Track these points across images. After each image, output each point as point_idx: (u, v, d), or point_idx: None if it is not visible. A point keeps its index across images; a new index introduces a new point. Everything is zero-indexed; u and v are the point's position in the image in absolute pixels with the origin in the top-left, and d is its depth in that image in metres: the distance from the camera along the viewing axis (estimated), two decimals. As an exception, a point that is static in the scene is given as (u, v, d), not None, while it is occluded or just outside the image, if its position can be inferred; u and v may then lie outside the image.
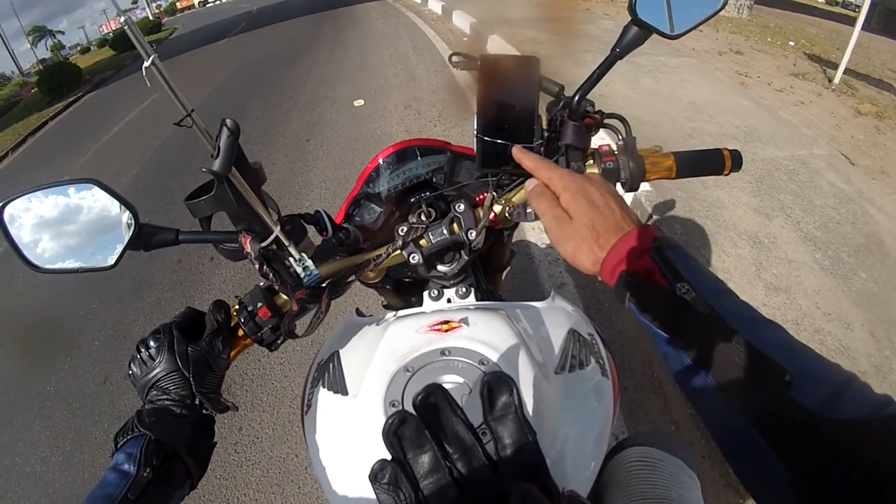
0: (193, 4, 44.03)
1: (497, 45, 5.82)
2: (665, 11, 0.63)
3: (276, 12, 16.51)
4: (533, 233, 2.72)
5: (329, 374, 0.69)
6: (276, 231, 0.62)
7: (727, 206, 2.54)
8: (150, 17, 32.82)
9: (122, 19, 0.52)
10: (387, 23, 9.64)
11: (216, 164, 0.53)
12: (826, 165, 3.00)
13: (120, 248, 0.58)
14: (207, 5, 42.33)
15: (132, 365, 0.62)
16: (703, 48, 5.45)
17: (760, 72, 4.82)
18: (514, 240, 2.59)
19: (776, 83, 4.54)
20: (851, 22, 4.74)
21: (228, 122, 0.54)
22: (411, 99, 5.02)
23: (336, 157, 4.20)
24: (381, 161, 0.80)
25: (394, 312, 0.78)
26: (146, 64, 0.49)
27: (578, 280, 2.39)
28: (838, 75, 4.66)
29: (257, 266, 0.61)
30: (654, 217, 2.47)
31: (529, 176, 0.70)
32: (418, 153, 0.81)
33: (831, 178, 2.87)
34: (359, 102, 5.26)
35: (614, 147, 0.70)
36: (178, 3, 47.60)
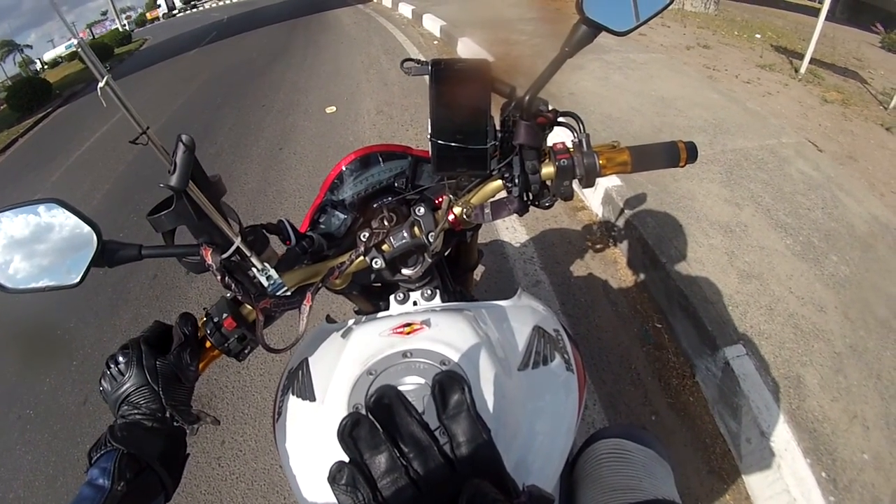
0: (158, 17, 43.43)
1: (467, 48, 5.87)
2: (613, 8, 0.63)
3: (248, 20, 16.34)
4: (507, 232, 2.74)
5: (298, 381, 0.71)
6: (237, 242, 0.63)
7: (698, 197, 2.58)
8: (121, 29, 32.31)
9: (76, 41, 0.53)
10: (358, 28, 9.62)
11: (173, 180, 0.55)
12: (795, 153, 3.06)
13: (84, 266, 0.59)
14: (175, 15, 41.88)
15: (103, 381, 0.62)
16: (672, 43, 5.53)
17: (728, 65, 4.91)
18: (488, 239, 2.62)
19: (744, 75, 4.62)
20: (816, 13, 4.84)
21: (184, 137, 0.55)
22: (383, 104, 5.02)
23: (309, 164, 4.18)
24: (343, 168, 0.81)
25: (362, 318, 0.79)
26: (101, 84, 0.51)
27: (554, 277, 2.41)
28: (804, 65, 4.76)
29: (219, 277, 0.62)
30: (626, 212, 2.50)
31: (487, 177, 0.71)
32: (380, 158, 0.81)
33: (800, 165, 2.93)
34: (331, 109, 5.24)
35: (570, 144, 0.71)
36: (147, 15, 46.99)
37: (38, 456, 2.27)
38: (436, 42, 7.16)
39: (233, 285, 0.63)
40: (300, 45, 9.54)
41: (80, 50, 0.51)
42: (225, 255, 0.62)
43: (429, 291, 0.79)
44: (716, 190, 2.64)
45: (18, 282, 0.60)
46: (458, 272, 0.97)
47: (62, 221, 0.59)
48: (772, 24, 7.67)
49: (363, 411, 0.56)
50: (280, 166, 4.26)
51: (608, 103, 3.75)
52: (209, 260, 0.62)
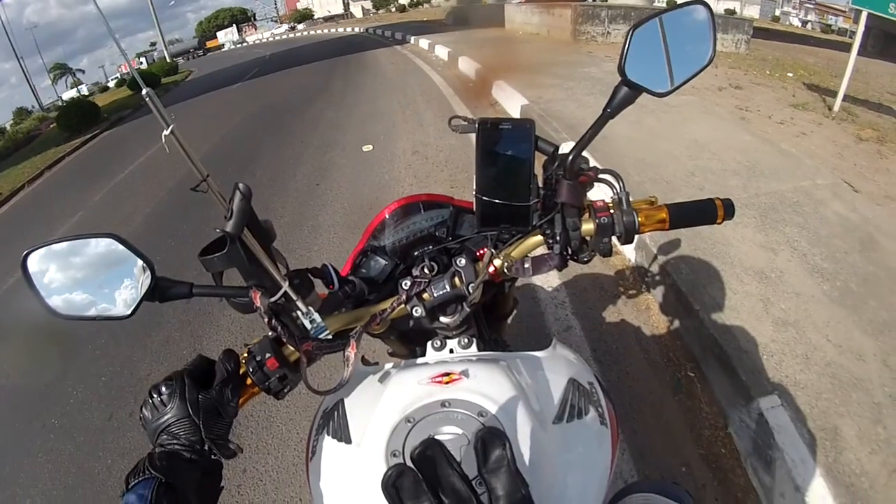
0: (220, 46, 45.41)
1: (503, 90, 5.97)
2: (654, 71, 0.66)
3: (289, 58, 16.93)
4: (540, 276, 2.71)
5: (334, 422, 0.71)
6: (285, 286, 0.65)
7: (732, 242, 2.54)
8: (168, 60, 33.80)
9: (144, 91, 0.53)
10: (395, 69, 9.92)
11: (229, 225, 0.57)
12: (830, 195, 3.00)
13: (136, 300, 0.63)
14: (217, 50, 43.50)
15: (144, 409, 0.63)
16: (704, 85, 5.52)
17: (760, 105, 4.88)
18: (520, 283, 2.61)
19: (776, 115, 4.58)
20: (848, 48, 4.79)
21: (241, 185, 0.57)
22: (419, 144, 5.08)
23: (345, 201, 4.24)
24: (386, 215, 0.84)
25: (398, 361, 0.80)
26: (165, 132, 0.53)
27: (585, 323, 2.38)
28: (837, 103, 4.70)
29: (266, 320, 0.64)
30: (660, 258, 2.47)
31: (528, 232, 0.73)
32: (422, 207, 0.85)
33: (836, 207, 2.87)
34: (367, 148, 5.33)
35: (609, 201, 0.73)
36: (207, 43, 49.02)
37: (59, 465, 2.31)
38: (471, 85, 7.37)
39: (279, 328, 0.65)
40: (339, 84, 9.83)
41: (147, 98, 0.53)
42: (273, 299, 0.64)
43: (466, 339, 0.79)
44: (750, 235, 2.61)
45: (70, 310, 0.63)
46: (494, 319, 0.98)
47: (117, 256, 0.62)
48: (803, 62, 7.63)
49: (401, 458, 0.58)
50: (316, 202, 4.33)
51: (641, 148, 3.74)
52: (257, 302, 0.64)
